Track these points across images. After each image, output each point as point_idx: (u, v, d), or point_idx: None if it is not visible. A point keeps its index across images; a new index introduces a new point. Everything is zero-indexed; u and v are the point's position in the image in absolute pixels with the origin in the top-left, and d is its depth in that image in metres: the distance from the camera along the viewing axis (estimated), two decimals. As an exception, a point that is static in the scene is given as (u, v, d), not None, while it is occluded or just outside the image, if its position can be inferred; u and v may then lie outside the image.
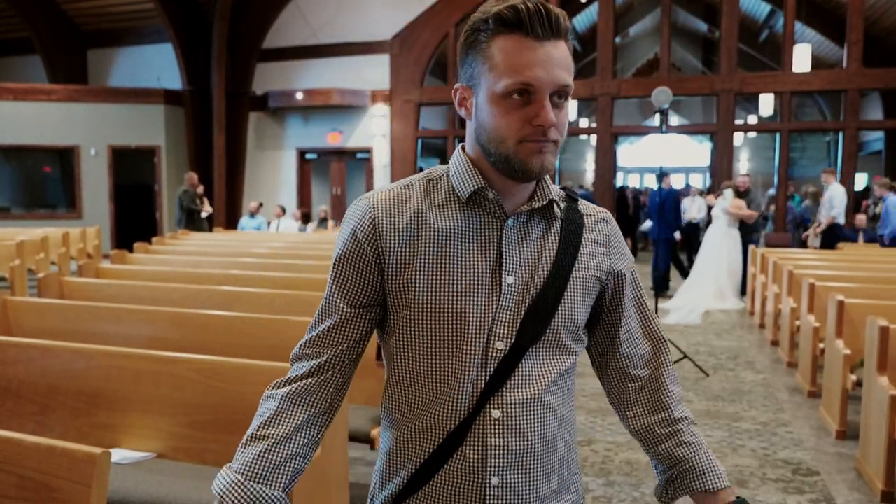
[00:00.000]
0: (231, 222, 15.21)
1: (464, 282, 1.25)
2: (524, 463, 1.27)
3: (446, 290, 1.25)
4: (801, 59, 13.00)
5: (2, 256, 9.47)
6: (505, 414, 1.25)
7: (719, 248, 9.61)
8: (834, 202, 10.51)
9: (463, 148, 1.35)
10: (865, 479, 4.00)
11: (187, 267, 7.02)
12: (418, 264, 1.25)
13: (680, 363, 6.33)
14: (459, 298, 1.24)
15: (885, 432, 3.77)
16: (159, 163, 15.35)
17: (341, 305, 1.31)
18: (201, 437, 3.12)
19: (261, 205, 13.63)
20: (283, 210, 13.66)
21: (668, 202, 10.38)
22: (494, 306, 1.25)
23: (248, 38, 15.46)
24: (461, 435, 1.25)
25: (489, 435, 1.25)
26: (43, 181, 16.93)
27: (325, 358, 1.31)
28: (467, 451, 1.25)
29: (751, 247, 9.73)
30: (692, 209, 13.93)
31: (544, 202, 1.31)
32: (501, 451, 1.25)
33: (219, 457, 3.11)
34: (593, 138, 22.48)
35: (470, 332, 1.25)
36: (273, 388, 1.32)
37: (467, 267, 1.25)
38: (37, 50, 16.55)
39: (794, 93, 13.39)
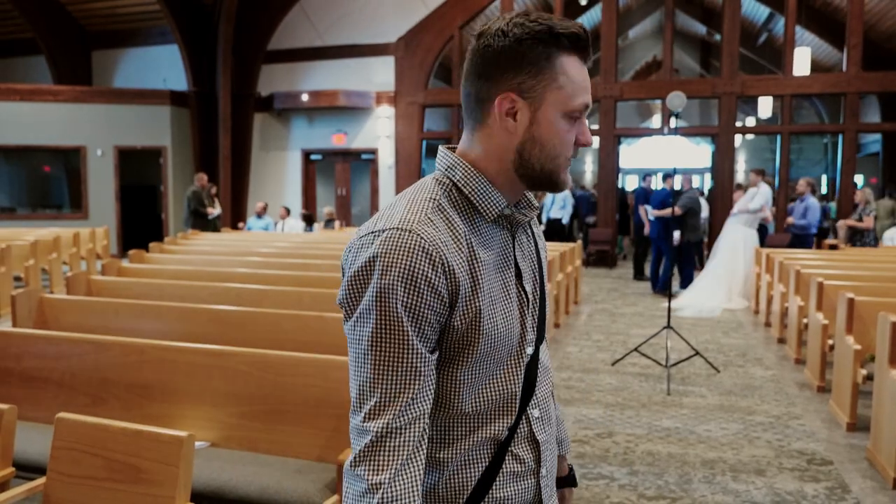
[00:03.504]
0: (236, 223, 15.35)
1: (507, 299, 1.28)
2: (552, 446, 1.41)
3: (498, 312, 1.25)
4: (801, 62, 13.21)
5: (16, 256, 9.59)
6: (541, 410, 1.36)
7: (737, 249, 9.78)
8: (759, 200, 10.68)
9: (453, 150, 1.32)
10: (878, 468, 4.18)
11: (207, 266, 7.17)
12: (479, 294, 1.23)
13: (691, 360, 6.51)
14: (508, 315, 1.28)
15: (897, 423, 3.95)
16: (165, 163, 15.48)
17: (426, 354, 1.19)
18: (254, 426, 3.28)
19: (266, 206, 13.82)
20: (288, 211, 13.82)
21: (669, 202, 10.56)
22: (528, 315, 1.32)
23: (253, 39, 15.61)
24: (510, 440, 1.30)
25: (537, 432, 1.34)
26: (49, 182, 17.04)
27: (423, 421, 1.20)
28: (520, 454, 1.31)
29: (754, 247, 9.91)
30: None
31: (536, 211, 1.39)
32: (547, 444, 1.36)
33: (270, 445, 3.26)
34: (593, 140, 22.45)
35: (514, 345, 1.29)
36: (392, 484, 1.16)
37: (504, 284, 1.28)
38: (41, 51, 16.66)
39: (795, 96, 13.60)
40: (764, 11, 17.33)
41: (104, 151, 15.26)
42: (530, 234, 1.41)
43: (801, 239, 10.45)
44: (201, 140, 15.69)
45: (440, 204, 1.24)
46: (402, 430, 1.16)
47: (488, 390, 1.27)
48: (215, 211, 12.77)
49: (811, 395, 5.68)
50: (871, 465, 4.26)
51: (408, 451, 1.17)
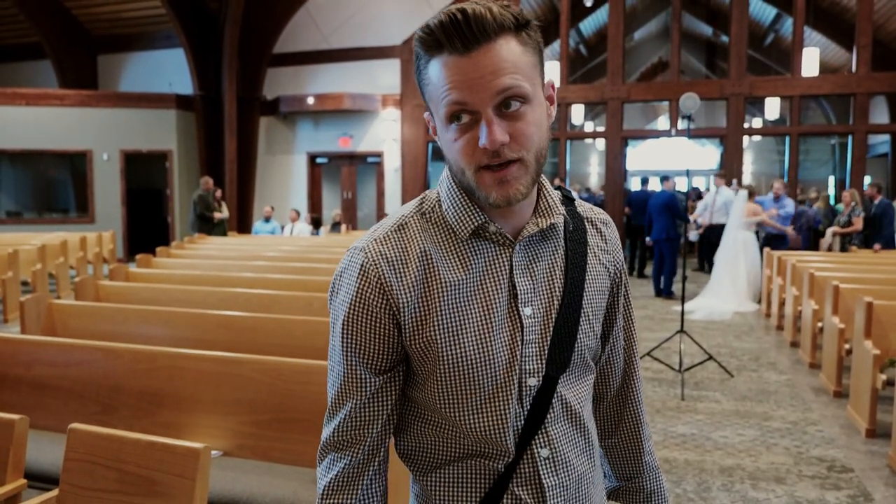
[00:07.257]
0: (242, 226, 15.32)
1: (484, 324, 1.15)
2: (578, 491, 1.25)
3: (469, 337, 1.14)
4: (810, 63, 13.13)
5: (24, 261, 9.56)
6: (553, 450, 1.20)
7: (737, 254, 9.71)
8: (729, 207, 10.69)
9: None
10: (900, 476, 4.11)
11: (214, 270, 7.12)
12: (435, 319, 1.14)
13: (704, 364, 6.44)
14: (484, 343, 1.14)
15: (919, 430, 3.88)
16: (171, 167, 15.46)
17: (366, 376, 1.16)
18: (265, 435, 3.22)
19: (272, 209, 13.78)
20: (298, 214, 13.77)
21: (672, 204, 10.54)
22: (519, 342, 1.16)
23: (258, 43, 15.58)
24: (508, 476, 1.18)
25: (543, 475, 1.19)
26: (55, 186, 17.03)
27: (366, 444, 1.19)
28: (522, 495, 1.19)
29: (766, 250, 9.83)
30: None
31: (552, 220, 1.20)
32: (558, 489, 1.20)
33: (284, 455, 3.21)
34: (598, 141, 22.41)
35: (500, 374, 1.15)
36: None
37: (484, 308, 1.15)
38: (47, 55, 16.66)
39: (803, 96, 13.52)
40: (771, 12, 17.27)
41: (110, 155, 15.24)
42: (561, 241, 1.23)
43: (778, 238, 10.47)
44: (207, 144, 15.68)
45: (406, 222, 1.20)
46: (346, 447, 1.19)
47: (476, 419, 1.17)
48: (222, 214, 12.72)
49: (828, 399, 5.61)
50: (892, 473, 4.18)
51: (348, 469, 1.19)
